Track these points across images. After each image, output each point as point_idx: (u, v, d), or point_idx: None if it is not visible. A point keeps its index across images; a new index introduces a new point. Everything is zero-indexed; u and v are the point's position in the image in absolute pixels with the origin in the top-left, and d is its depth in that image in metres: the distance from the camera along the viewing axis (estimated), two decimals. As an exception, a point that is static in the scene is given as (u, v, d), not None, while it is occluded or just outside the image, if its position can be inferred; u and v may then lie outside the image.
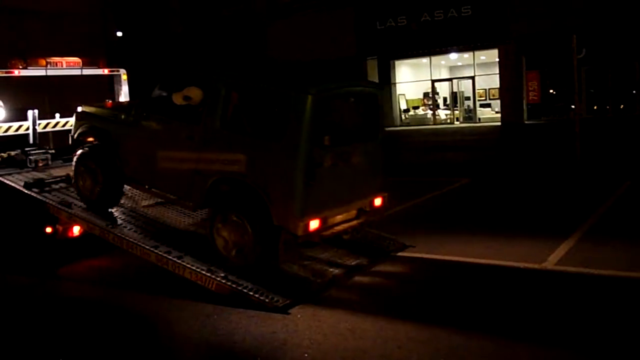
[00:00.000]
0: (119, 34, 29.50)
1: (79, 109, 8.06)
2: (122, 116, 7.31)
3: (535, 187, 11.54)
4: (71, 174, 7.74)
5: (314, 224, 6.03)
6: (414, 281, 6.63)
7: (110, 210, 7.57)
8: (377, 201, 6.93)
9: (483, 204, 10.42)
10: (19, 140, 8.93)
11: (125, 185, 7.69)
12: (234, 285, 5.96)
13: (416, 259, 7.25)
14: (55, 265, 7.71)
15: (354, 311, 5.68)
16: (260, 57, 28.43)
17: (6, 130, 8.67)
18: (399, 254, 7.43)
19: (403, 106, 29.68)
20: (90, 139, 7.70)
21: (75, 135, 7.87)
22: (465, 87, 29.11)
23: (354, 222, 6.79)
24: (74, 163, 7.61)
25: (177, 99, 6.52)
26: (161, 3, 33.01)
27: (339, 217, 6.53)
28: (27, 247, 7.81)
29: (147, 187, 7.36)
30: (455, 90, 29.29)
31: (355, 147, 6.59)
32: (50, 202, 7.62)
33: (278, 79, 6.50)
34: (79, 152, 7.55)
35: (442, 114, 29.35)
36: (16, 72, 8.43)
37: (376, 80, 28.42)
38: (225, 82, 6.42)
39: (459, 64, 29.96)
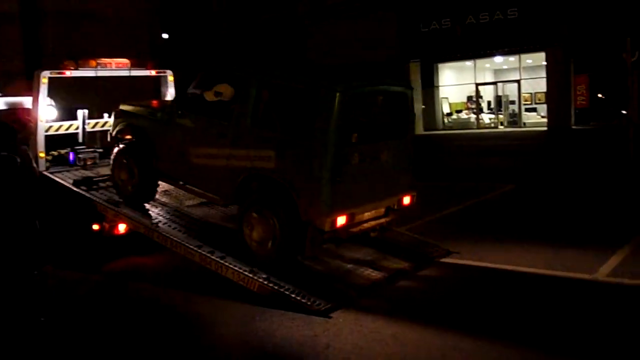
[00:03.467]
0: (165, 36, 30.01)
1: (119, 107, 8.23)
2: (158, 114, 7.52)
3: (585, 195, 11.22)
4: None
5: (341, 220, 6.09)
6: (458, 288, 6.50)
7: (156, 209, 7.69)
8: (406, 200, 6.94)
9: (530, 211, 10.17)
10: (69, 139, 9.11)
11: (163, 183, 7.85)
12: (275, 287, 5.96)
13: (461, 266, 7.12)
14: (101, 262, 7.85)
15: (396, 317, 5.61)
16: (297, 59, 28.54)
17: (57, 129, 8.86)
18: (443, 260, 7.31)
19: (446, 110, 29.31)
20: (128, 137, 7.89)
21: (114, 133, 8.09)
22: (510, 90, 28.53)
23: (382, 220, 6.84)
24: (112, 159, 7.85)
25: (209, 95, 6.73)
26: (205, 7, 33.44)
27: (366, 215, 6.59)
28: (74, 244, 7.97)
29: (180, 183, 7.53)
30: (500, 93, 28.75)
31: (384, 145, 6.62)
32: (98, 199, 7.76)
33: (307, 77, 6.62)
34: (117, 148, 7.78)
35: (486, 118, 28.86)
36: (67, 73, 8.61)
37: (419, 83, 28.20)
38: (256, 80, 6.54)
39: (504, 67, 29.42)
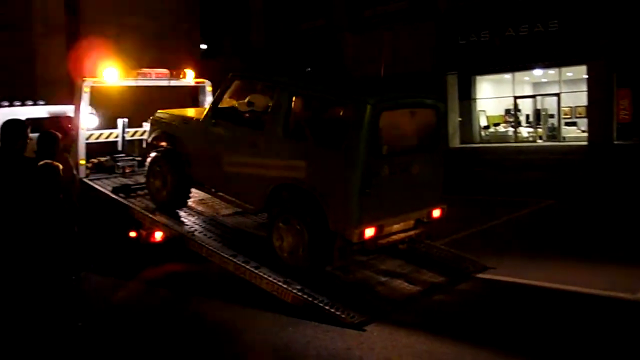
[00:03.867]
0: (204, 47, 30.46)
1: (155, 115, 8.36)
2: (192, 122, 7.64)
3: (627, 212, 10.91)
4: None
5: (369, 232, 6.09)
6: (494, 305, 6.37)
7: (192, 217, 7.77)
8: (436, 212, 6.91)
9: (569, 227, 9.94)
10: (109, 147, 9.29)
11: (200, 192, 7.95)
12: (309, 299, 5.93)
13: (497, 282, 6.98)
14: (137, 269, 7.93)
15: (431, 332, 5.52)
16: (334, 69, 28.60)
17: (97, 137, 9.04)
18: (480, 275, 7.18)
19: (483, 123, 28.97)
20: (163, 144, 8.00)
21: (150, 140, 8.25)
22: (550, 104, 28.06)
23: (411, 233, 6.83)
24: (147, 165, 8.01)
25: (242, 105, 6.87)
26: (244, 17, 33.84)
27: (395, 227, 6.59)
28: (111, 250, 8.08)
29: (212, 190, 7.61)
30: (538, 107, 28.32)
31: (415, 158, 6.61)
32: (135, 207, 7.88)
33: (338, 89, 6.67)
34: (152, 155, 7.93)
35: (524, 131, 28.42)
36: (108, 82, 8.78)
37: (456, 96, 27.98)
38: (288, 90, 6.59)
39: (544, 80, 28.98)
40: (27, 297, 5.02)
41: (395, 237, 6.61)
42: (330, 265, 6.38)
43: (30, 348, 4.98)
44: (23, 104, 11.05)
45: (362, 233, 6.03)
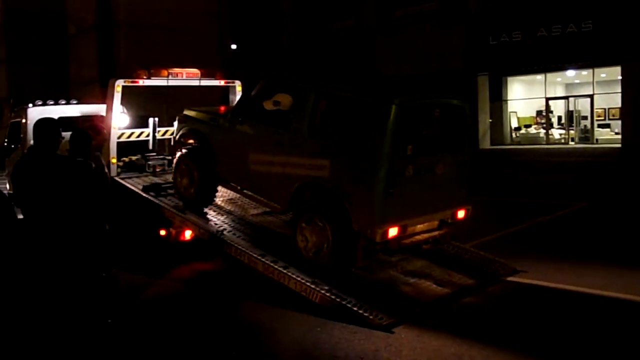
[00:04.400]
0: (234, 47, 30.66)
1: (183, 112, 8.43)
2: (219, 120, 7.69)
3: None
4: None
5: (393, 232, 6.09)
6: (524, 308, 6.27)
7: (221, 217, 7.81)
8: (461, 213, 6.89)
9: (602, 231, 9.75)
10: (140, 146, 9.39)
11: (229, 191, 8.01)
12: (337, 299, 5.91)
13: (527, 286, 6.87)
14: (167, 267, 8.00)
15: (460, 335, 5.45)
16: (363, 70, 28.53)
17: (129, 136, 9.15)
18: (509, 278, 7.08)
19: (514, 124, 28.61)
20: (191, 141, 8.06)
21: (177, 137, 8.31)
22: (583, 105, 27.60)
23: (435, 233, 6.80)
24: (174, 163, 8.06)
25: (268, 104, 6.86)
26: (274, 17, 33.96)
27: (419, 227, 6.58)
28: (141, 248, 8.17)
29: (238, 188, 7.66)
30: (571, 108, 27.87)
31: (440, 158, 6.57)
32: (166, 206, 7.94)
33: (364, 89, 6.65)
34: (179, 153, 7.98)
35: (556, 133, 27.99)
36: (140, 82, 8.88)
37: (487, 96, 27.68)
38: (314, 90, 6.63)
39: (577, 81, 28.51)
40: (57, 294, 5.08)
41: (419, 237, 6.60)
42: (353, 265, 6.37)
43: (59, 344, 5.04)
44: (56, 103, 11.24)
45: (386, 233, 6.04)
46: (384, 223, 6.01)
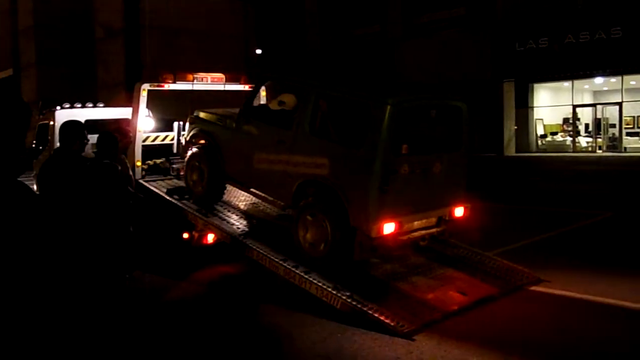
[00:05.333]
0: (259, 51, 30.82)
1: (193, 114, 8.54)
2: (227, 121, 7.91)
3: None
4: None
5: (389, 228, 6.26)
6: (546, 319, 6.15)
7: (244, 220, 7.85)
8: (458, 211, 7.06)
9: (629, 241, 9.56)
10: (164, 149, 9.47)
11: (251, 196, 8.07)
12: (359, 306, 5.89)
13: (551, 296, 6.76)
14: (189, 270, 8.05)
15: (481, 345, 5.39)
16: (386, 75, 28.48)
17: (154, 140, 9.23)
18: (533, 288, 6.97)
19: (540, 131, 28.33)
20: (202, 141, 8.23)
21: (188, 137, 8.47)
22: (611, 113, 27.20)
23: (433, 230, 6.99)
24: (185, 161, 8.31)
25: (273, 104, 7.18)
26: (298, 23, 34.10)
27: (416, 224, 6.77)
28: (164, 250, 8.23)
29: (245, 186, 7.88)
30: (599, 116, 27.50)
31: (436, 157, 6.71)
32: (189, 209, 8.00)
33: (361, 89, 6.86)
34: (190, 152, 8.22)
35: (583, 141, 27.64)
36: (165, 86, 8.97)
37: (513, 103, 27.44)
38: (314, 90, 6.86)
39: (605, 88, 28.14)
40: (80, 294, 5.14)
41: (416, 234, 6.79)
42: (350, 260, 6.50)
43: (80, 344, 5.10)
44: (83, 106, 11.39)
45: (381, 228, 6.20)
46: (379, 219, 6.19)
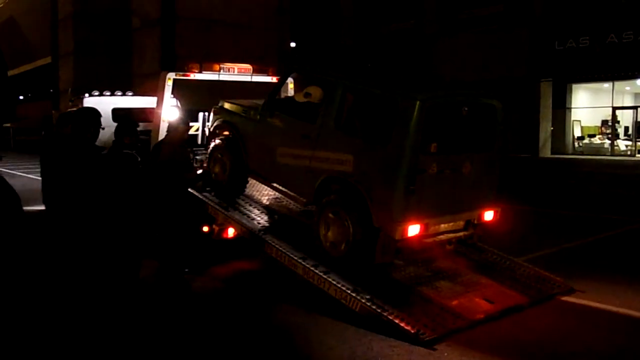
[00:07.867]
0: (293, 44, 30.69)
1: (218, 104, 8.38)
2: (251, 113, 7.70)
3: None
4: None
5: (414, 230, 5.96)
6: (577, 331, 5.81)
7: (265, 215, 7.66)
8: (488, 215, 6.69)
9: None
10: (189, 140, 9.31)
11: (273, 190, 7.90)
12: (378, 310, 5.63)
13: (584, 307, 6.40)
14: (208, 264, 7.90)
15: (507, 357, 5.10)
16: (422, 72, 28.07)
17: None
18: (565, 298, 6.62)
19: (577, 133, 27.60)
20: (225, 133, 8.05)
21: (212, 128, 8.31)
22: (653, 117, 26.36)
23: (461, 234, 6.69)
24: (208, 152, 8.14)
25: (299, 96, 6.92)
26: (334, 17, 33.87)
27: (443, 226, 6.45)
28: (183, 243, 8.07)
29: (267, 181, 7.68)
30: (639, 119, 26.65)
31: (467, 157, 6.35)
32: (210, 202, 7.83)
33: (389, 85, 6.58)
34: (213, 143, 8.04)
35: (622, 144, 26.83)
36: (191, 76, 8.83)
37: (550, 103, 26.80)
38: (341, 84, 6.61)
39: (647, 91, 27.28)
40: (95, 288, 5.02)
41: (442, 237, 6.50)
42: (372, 261, 6.22)
43: (95, 338, 4.98)
44: (112, 94, 11.37)
45: (405, 230, 5.91)
46: (404, 221, 5.90)
